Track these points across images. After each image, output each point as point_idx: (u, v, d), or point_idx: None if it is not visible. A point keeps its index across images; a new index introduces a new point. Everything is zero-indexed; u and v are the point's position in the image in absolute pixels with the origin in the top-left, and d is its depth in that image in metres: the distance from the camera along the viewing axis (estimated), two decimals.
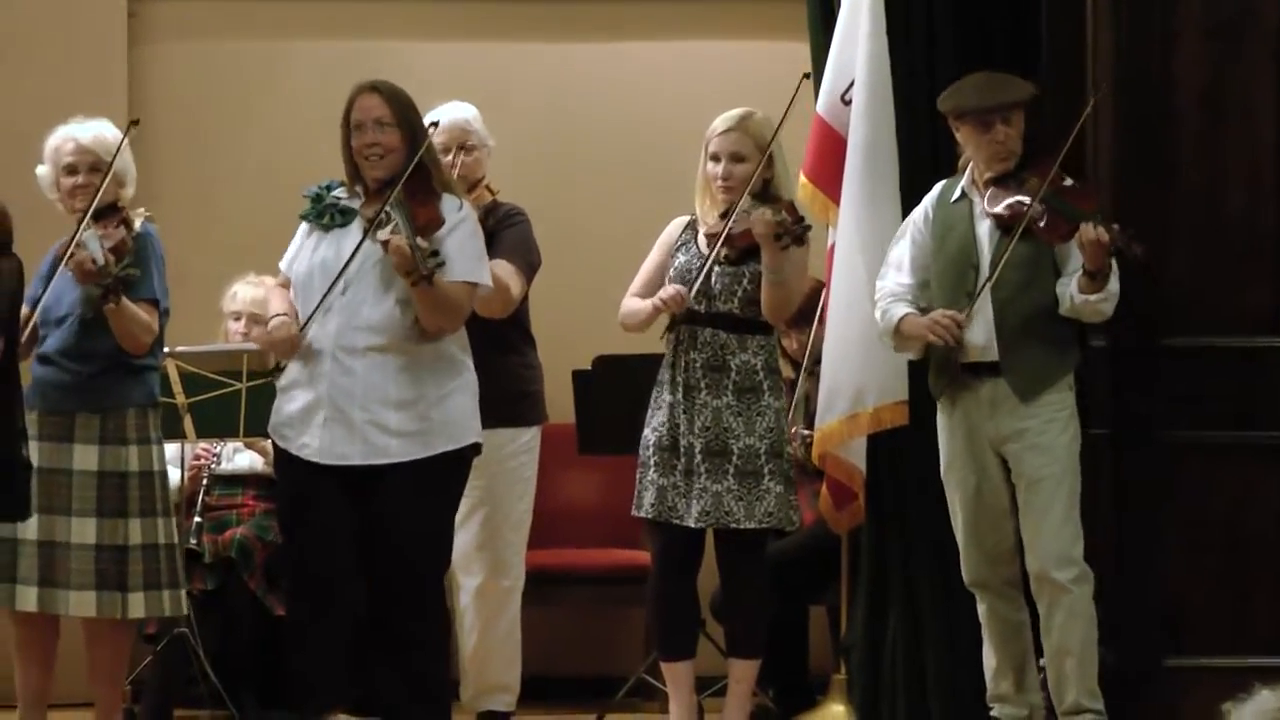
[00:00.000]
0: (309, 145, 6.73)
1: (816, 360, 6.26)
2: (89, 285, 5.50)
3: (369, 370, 5.35)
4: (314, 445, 5.37)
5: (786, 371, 6.26)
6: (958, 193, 5.68)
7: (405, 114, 5.45)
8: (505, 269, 5.93)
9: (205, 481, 6.63)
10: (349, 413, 5.35)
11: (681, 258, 5.80)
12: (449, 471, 5.42)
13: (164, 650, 6.37)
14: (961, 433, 5.61)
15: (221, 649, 6.45)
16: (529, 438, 6.15)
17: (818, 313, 6.28)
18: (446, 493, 5.44)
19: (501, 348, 6.00)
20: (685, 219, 5.87)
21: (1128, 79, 5.83)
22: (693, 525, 5.66)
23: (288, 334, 5.39)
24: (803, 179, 6.22)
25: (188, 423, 6.36)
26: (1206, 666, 5.71)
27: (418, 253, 5.24)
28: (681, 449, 5.67)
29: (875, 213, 6.01)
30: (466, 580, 6.15)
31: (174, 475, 6.60)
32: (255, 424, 6.15)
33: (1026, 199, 5.50)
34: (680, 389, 5.70)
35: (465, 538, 5.94)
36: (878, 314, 5.71)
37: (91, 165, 5.69)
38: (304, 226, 5.53)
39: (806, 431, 6.30)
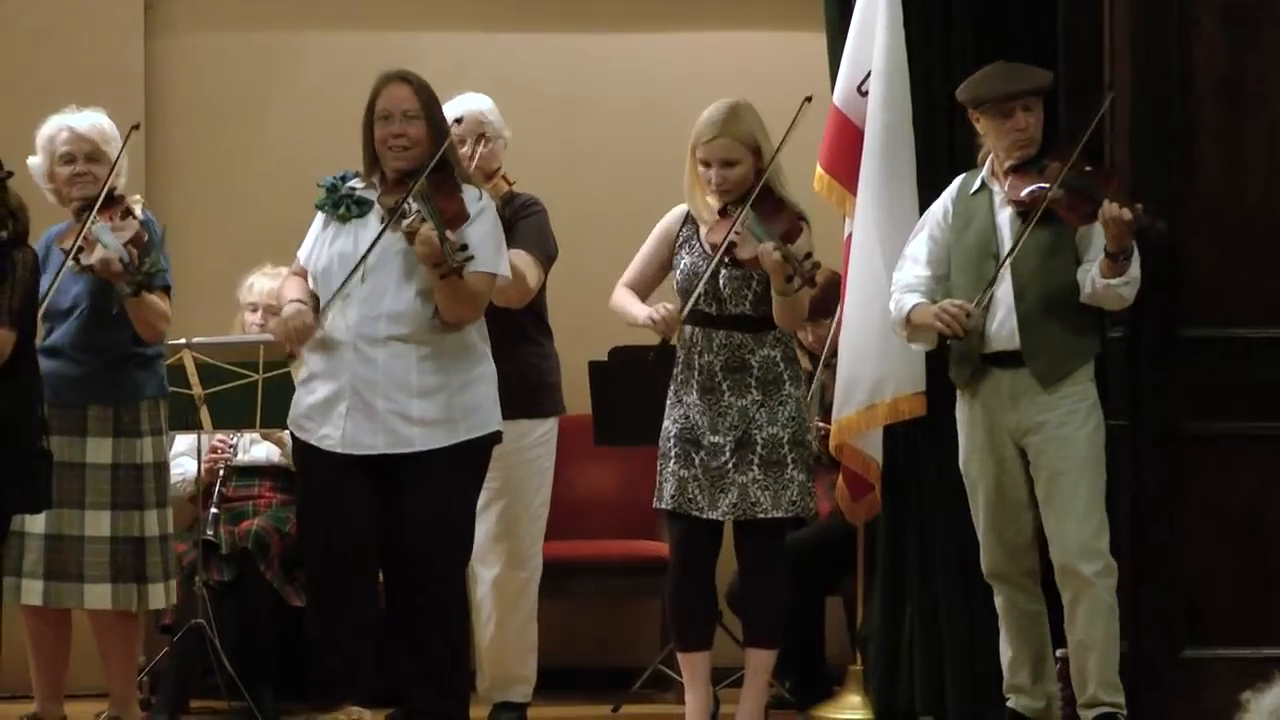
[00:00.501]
0: (325, 136, 6.75)
1: (833, 353, 6.26)
2: (119, 284, 5.45)
3: (391, 359, 5.33)
4: (335, 436, 5.35)
5: (804, 364, 6.24)
6: (977, 184, 5.67)
7: (431, 107, 5.41)
8: (522, 259, 5.91)
9: (222, 473, 6.62)
10: (372, 402, 5.32)
11: (687, 258, 5.72)
12: (471, 460, 5.40)
13: (181, 641, 6.37)
14: (982, 424, 5.60)
15: (238, 640, 6.43)
16: (547, 429, 6.14)
17: (838, 309, 6.25)
18: (469, 482, 5.43)
19: (518, 338, 5.99)
20: (684, 209, 5.78)
21: (1145, 69, 5.82)
22: (719, 518, 5.64)
23: (303, 321, 5.36)
24: (819, 170, 6.22)
25: (204, 414, 6.35)
26: (1226, 657, 5.71)
27: (447, 245, 5.21)
28: (704, 446, 5.64)
29: (892, 204, 6.02)
30: (484, 571, 6.14)
31: (191, 466, 6.62)
32: (272, 415, 6.15)
33: (1047, 185, 5.49)
34: (696, 390, 5.66)
35: (483, 529, 5.93)
36: (892, 305, 5.71)
37: (89, 154, 5.61)
38: (320, 218, 5.49)
39: (823, 424, 6.30)
